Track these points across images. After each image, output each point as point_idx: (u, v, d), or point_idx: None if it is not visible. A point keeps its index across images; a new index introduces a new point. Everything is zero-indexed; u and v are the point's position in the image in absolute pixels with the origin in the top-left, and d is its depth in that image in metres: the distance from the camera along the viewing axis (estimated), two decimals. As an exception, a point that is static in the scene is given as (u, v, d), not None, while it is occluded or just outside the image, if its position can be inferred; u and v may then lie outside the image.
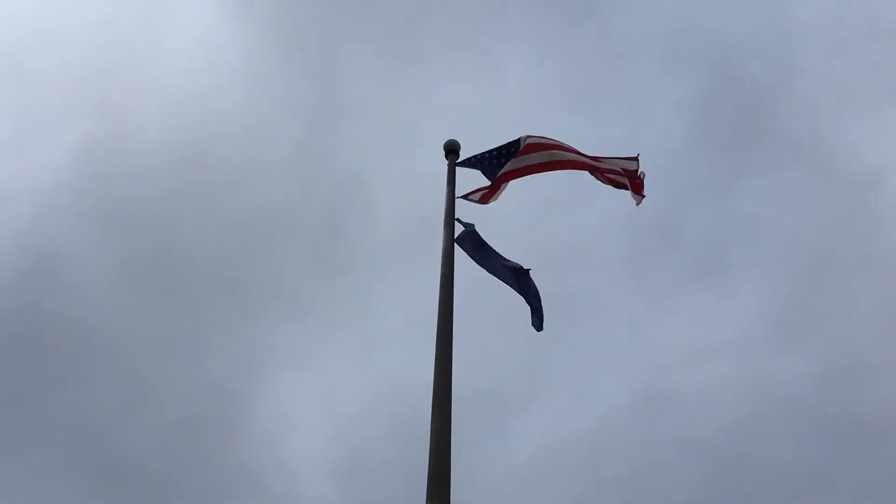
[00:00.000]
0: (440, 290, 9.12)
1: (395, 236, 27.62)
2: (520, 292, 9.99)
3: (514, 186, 11.25)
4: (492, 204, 11.02)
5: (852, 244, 28.97)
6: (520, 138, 10.83)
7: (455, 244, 9.86)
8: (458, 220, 10.20)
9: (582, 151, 11.04)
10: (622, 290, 29.17)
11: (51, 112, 31.74)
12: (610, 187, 10.91)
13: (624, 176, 10.60)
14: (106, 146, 30.10)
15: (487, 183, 10.91)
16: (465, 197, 10.77)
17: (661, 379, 26.71)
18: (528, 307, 9.96)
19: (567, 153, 10.91)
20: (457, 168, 10.85)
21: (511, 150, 10.76)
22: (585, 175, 11.13)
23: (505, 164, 10.72)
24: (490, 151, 10.92)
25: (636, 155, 10.74)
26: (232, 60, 34.23)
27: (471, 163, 10.97)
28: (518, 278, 9.99)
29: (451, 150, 10.94)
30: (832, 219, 30.16)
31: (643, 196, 10.62)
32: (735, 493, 23.19)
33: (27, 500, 22.22)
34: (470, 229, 10.17)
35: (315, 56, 34.62)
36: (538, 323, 9.89)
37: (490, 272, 10.23)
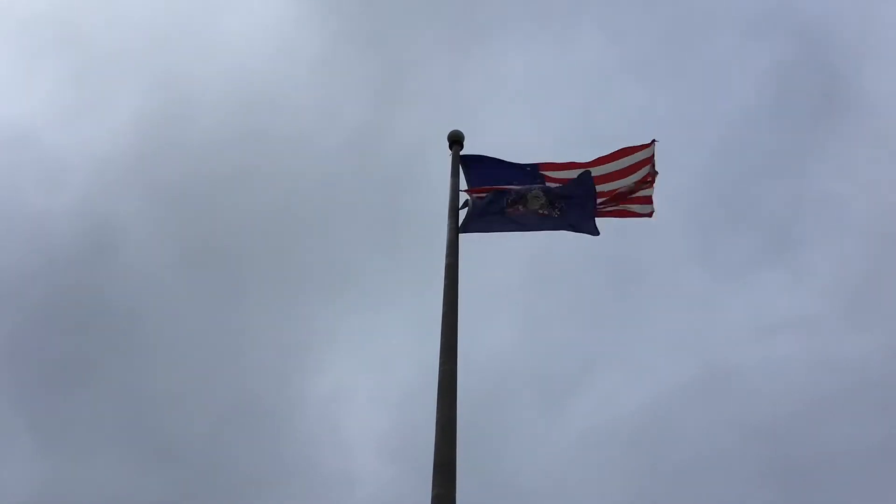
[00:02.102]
0: (445, 281, 9.18)
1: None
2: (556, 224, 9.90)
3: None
4: None
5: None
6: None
7: (461, 233, 9.74)
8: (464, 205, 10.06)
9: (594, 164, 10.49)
10: (688, 265, 28.51)
11: (111, 81, 32.26)
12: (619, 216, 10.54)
13: (630, 195, 10.24)
14: (165, 118, 30.52)
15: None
16: (469, 191, 10.53)
17: (724, 358, 26.07)
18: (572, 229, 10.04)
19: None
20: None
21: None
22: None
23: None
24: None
25: (651, 141, 10.36)
26: (296, 37, 34.58)
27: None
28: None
29: (456, 140, 10.85)
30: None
31: (652, 210, 10.35)
32: (798, 477, 22.55)
33: (83, 477, 23.23)
34: (467, 208, 10.03)
35: (379, 35, 34.69)
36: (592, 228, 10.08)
37: (506, 230, 10.07)
